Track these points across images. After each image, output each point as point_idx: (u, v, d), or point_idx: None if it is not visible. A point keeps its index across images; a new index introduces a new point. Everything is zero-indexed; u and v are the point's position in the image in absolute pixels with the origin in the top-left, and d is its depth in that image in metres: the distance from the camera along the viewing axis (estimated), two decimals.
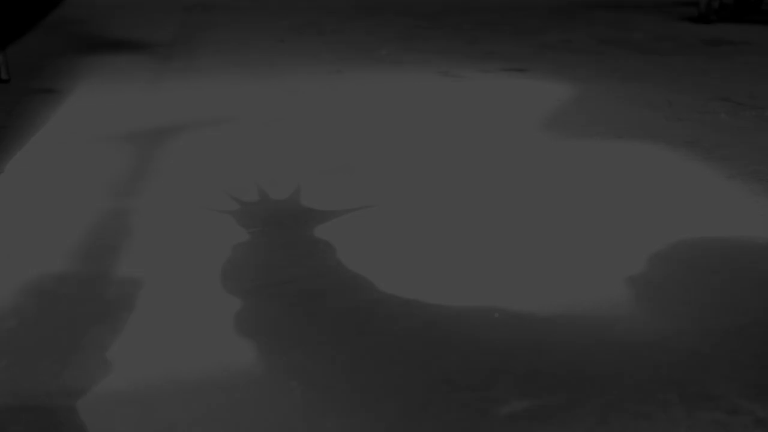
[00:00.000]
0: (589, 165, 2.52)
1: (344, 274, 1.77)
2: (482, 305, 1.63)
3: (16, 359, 1.41)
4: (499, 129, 2.90)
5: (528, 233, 2.00)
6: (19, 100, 3.18)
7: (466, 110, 3.17)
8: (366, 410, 1.28)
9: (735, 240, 1.98)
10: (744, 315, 1.60)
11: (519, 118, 3.05)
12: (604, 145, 2.72)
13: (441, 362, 1.42)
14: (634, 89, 3.53)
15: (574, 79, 3.68)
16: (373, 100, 3.27)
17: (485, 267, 1.82)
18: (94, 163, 2.48)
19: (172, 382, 1.36)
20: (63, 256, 1.83)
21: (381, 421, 1.26)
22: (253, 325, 1.54)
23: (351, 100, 3.26)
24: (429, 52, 4.32)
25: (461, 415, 1.27)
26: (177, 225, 2.03)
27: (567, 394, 1.33)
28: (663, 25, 5.39)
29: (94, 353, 1.43)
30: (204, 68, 3.81)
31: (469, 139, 2.77)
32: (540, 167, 2.49)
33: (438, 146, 2.69)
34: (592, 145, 2.72)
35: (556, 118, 3.04)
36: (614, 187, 2.33)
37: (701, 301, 1.66)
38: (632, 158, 2.59)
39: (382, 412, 1.28)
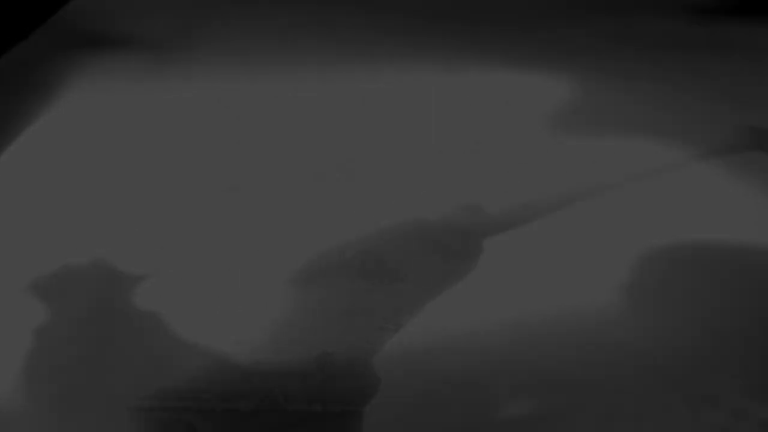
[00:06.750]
0: (590, 164, 2.51)
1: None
2: (482, 306, 1.62)
3: None
4: (499, 128, 2.89)
5: (528, 233, 1.99)
6: (17, 100, 3.17)
7: (466, 108, 3.16)
8: (366, 410, 1.27)
9: (735, 240, 1.97)
10: (745, 316, 1.59)
11: (519, 116, 3.03)
12: (605, 145, 2.71)
13: (441, 362, 1.41)
14: (635, 89, 3.52)
15: (575, 78, 3.67)
16: (373, 98, 3.26)
17: (485, 267, 1.81)
18: (93, 164, 2.47)
19: None
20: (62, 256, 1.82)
21: (381, 421, 1.25)
22: None
23: (351, 99, 3.25)
24: (429, 50, 4.31)
25: (461, 415, 1.26)
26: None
27: (568, 396, 1.32)
28: (663, 25, 5.39)
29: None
30: (203, 67, 3.80)
31: (469, 138, 2.76)
32: (540, 166, 2.48)
33: (438, 145, 2.68)
34: (593, 144, 2.71)
35: (557, 116, 3.03)
36: (614, 186, 2.32)
37: (702, 302, 1.65)
38: (632, 158, 2.58)
39: (383, 412, 1.27)
